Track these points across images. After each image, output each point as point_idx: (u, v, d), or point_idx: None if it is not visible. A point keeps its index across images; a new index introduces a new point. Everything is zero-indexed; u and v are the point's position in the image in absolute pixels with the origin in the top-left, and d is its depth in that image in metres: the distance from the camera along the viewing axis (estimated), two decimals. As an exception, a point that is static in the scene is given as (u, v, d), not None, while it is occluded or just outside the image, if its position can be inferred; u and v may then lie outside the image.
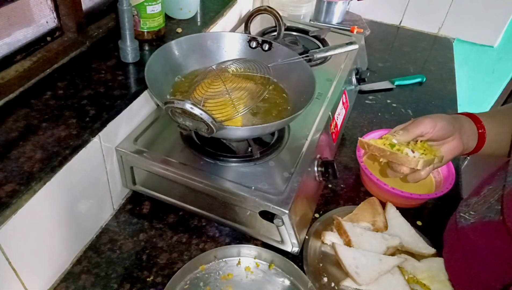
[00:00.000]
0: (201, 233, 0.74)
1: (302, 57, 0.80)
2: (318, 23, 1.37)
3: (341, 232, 0.72)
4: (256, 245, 0.71)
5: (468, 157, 1.28)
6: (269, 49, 0.83)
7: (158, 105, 0.81)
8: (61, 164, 0.58)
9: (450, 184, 0.80)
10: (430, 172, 0.67)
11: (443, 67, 1.32)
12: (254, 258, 0.70)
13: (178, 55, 0.80)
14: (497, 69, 1.55)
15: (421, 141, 0.67)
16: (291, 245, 0.70)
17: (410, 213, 0.80)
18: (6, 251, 0.53)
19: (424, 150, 0.66)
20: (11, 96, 0.65)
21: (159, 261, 0.69)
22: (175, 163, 0.70)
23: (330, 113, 0.85)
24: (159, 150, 0.72)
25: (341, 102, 0.93)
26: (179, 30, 0.93)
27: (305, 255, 0.70)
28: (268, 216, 0.67)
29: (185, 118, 0.61)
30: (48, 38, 0.73)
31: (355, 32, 1.27)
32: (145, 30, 0.85)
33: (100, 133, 0.66)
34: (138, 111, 0.77)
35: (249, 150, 0.73)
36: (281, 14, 0.97)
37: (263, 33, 1.09)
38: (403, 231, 0.74)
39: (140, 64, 0.79)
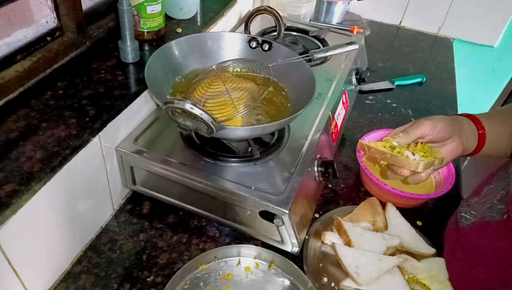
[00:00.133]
0: (201, 233, 0.74)
1: (302, 57, 0.80)
2: (318, 23, 1.37)
3: (341, 232, 0.72)
4: (256, 245, 0.71)
5: (468, 158, 1.28)
6: (269, 49, 0.83)
7: (158, 105, 0.81)
8: (61, 164, 0.58)
9: (450, 184, 0.80)
10: (431, 174, 0.67)
11: (443, 67, 1.32)
12: (254, 258, 0.70)
13: (178, 55, 0.80)
14: (497, 69, 1.55)
15: (421, 143, 0.68)
16: (291, 245, 0.70)
17: (410, 213, 0.80)
18: (6, 251, 0.53)
19: (425, 152, 0.66)
20: (11, 96, 0.65)
21: (159, 261, 0.69)
22: (175, 163, 0.70)
23: (330, 113, 0.85)
24: (159, 150, 0.72)
25: (341, 102, 0.93)
26: (179, 30, 0.93)
27: (305, 255, 0.70)
28: (268, 216, 0.67)
29: (185, 118, 0.61)
30: (48, 38, 0.73)
31: (355, 32, 1.27)
32: (145, 30, 0.85)
33: (100, 133, 0.66)
34: (138, 111, 0.77)
35: (249, 150, 0.73)
36: (281, 14, 0.97)
37: (263, 33, 1.09)
38: (403, 231, 0.74)
39: (140, 64, 0.79)
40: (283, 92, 0.80)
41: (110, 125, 0.67)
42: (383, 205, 0.79)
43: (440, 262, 0.70)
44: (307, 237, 0.73)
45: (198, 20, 1.00)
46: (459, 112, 0.75)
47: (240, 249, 0.69)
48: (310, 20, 1.38)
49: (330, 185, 0.86)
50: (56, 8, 0.73)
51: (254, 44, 0.84)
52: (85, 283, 0.65)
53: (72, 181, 0.62)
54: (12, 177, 0.53)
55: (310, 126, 0.80)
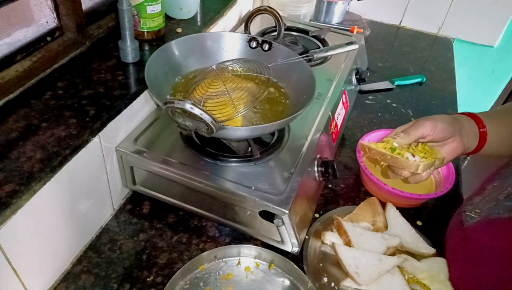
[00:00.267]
0: (201, 233, 0.74)
1: (302, 57, 0.80)
2: (318, 23, 1.37)
3: (341, 232, 0.72)
4: (256, 245, 0.71)
5: (468, 157, 1.28)
6: (269, 49, 0.83)
7: (158, 105, 0.81)
8: (61, 164, 0.58)
9: (450, 184, 0.80)
10: (431, 173, 0.67)
11: (443, 67, 1.32)
12: (254, 258, 0.70)
13: (178, 55, 0.80)
14: (497, 69, 1.55)
15: (422, 144, 0.68)
16: (291, 245, 0.70)
17: (410, 213, 0.80)
18: (6, 251, 0.53)
19: (425, 153, 0.66)
20: (11, 96, 0.65)
21: (159, 261, 0.69)
22: (175, 163, 0.70)
23: (330, 113, 0.85)
24: (159, 150, 0.72)
25: (341, 102, 0.93)
26: (179, 30, 0.93)
27: (305, 255, 0.70)
28: (268, 216, 0.67)
29: (185, 118, 0.61)
30: (48, 38, 0.73)
31: (355, 32, 1.27)
32: (145, 30, 0.85)
33: (100, 133, 0.66)
34: (138, 111, 0.77)
35: (249, 150, 0.73)
36: (281, 14, 0.97)
37: (263, 33, 1.09)
38: (403, 231, 0.74)
39: (140, 64, 0.79)
40: (283, 92, 0.80)
41: (110, 125, 0.67)
42: (383, 205, 0.79)
43: (440, 262, 0.70)
44: (307, 237, 0.73)
45: (198, 20, 1.00)
46: (459, 112, 0.74)
47: (240, 249, 0.69)
48: (310, 20, 1.38)
49: (330, 185, 0.86)
50: (56, 8, 0.73)
51: (254, 44, 0.84)
52: (85, 283, 0.65)
53: (72, 181, 0.62)
54: (12, 177, 0.53)
55: (310, 126, 0.80)
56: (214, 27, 1.04)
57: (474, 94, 1.62)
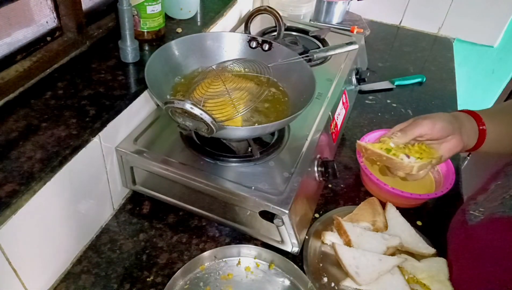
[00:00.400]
0: (201, 233, 0.74)
1: (302, 57, 0.80)
2: (318, 23, 1.37)
3: (341, 232, 0.72)
4: (256, 245, 0.71)
5: (468, 157, 1.28)
6: (269, 49, 0.83)
7: (158, 105, 0.81)
8: (61, 164, 0.58)
9: (450, 184, 0.80)
10: (428, 171, 0.68)
11: (443, 67, 1.33)
12: (254, 258, 0.70)
13: (178, 55, 0.80)
14: (497, 69, 1.55)
15: (418, 143, 0.68)
16: (291, 245, 0.70)
17: (410, 213, 0.80)
18: (6, 251, 0.53)
19: (421, 153, 0.66)
20: (11, 96, 0.65)
21: (159, 261, 0.69)
22: (175, 163, 0.70)
23: (330, 113, 0.85)
24: (159, 150, 0.72)
25: (341, 102, 0.93)
26: (179, 30, 0.93)
27: (305, 255, 0.70)
28: (268, 216, 0.67)
29: (185, 118, 0.61)
30: (48, 38, 0.73)
31: (355, 32, 1.27)
32: (145, 30, 0.85)
33: (100, 133, 0.66)
34: (138, 111, 0.77)
35: (249, 150, 0.73)
36: (281, 14, 0.97)
37: (263, 33, 1.09)
38: (403, 231, 0.74)
39: (140, 64, 0.79)
40: (283, 92, 0.80)
41: (110, 125, 0.67)
42: (383, 205, 0.79)
43: (440, 262, 0.70)
44: (307, 237, 0.73)
45: (198, 20, 1.00)
46: (459, 109, 0.75)
47: (240, 249, 0.69)
48: (310, 20, 1.38)
49: (330, 185, 0.86)
50: (56, 8, 0.73)
51: (254, 44, 0.84)
52: (85, 283, 0.65)
53: (72, 181, 0.62)
54: (12, 177, 0.53)
55: (310, 126, 0.80)
56: (214, 27, 1.04)
57: (474, 94, 1.62)
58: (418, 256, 0.71)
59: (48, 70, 0.72)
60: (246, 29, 1.02)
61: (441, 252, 0.72)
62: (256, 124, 0.72)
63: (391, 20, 1.55)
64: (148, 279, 0.66)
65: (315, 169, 0.77)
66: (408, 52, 1.39)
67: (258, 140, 0.76)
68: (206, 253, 0.67)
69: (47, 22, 0.72)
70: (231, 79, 0.74)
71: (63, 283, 0.65)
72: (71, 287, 0.65)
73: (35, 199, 0.55)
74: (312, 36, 1.10)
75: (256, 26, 1.11)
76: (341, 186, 0.86)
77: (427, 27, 1.51)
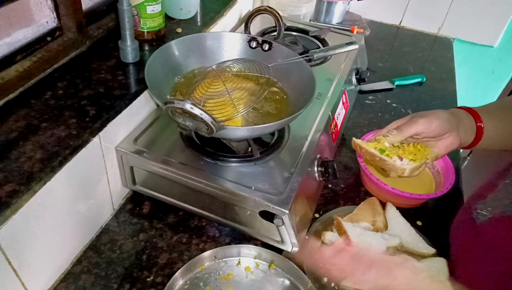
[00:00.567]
0: (201, 233, 0.74)
1: (302, 57, 0.80)
2: (318, 23, 1.37)
3: (341, 232, 0.72)
4: (256, 245, 0.71)
5: (468, 157, 1.28)
6: (269, 49, 0.83)
7: (158, 105, 0.81)
8: (61, 164, 0.58)
9: (450, 184, 0.80)
10: (422, 170, 0.68)
11: (443, 67, 1.33)
12: (254, 258, 0.70)
13: (178, 55, 0.80)
14: (497, 69, 1.55)
15: (413, 144, 0.68)
16: (291, 245, 0.70)
17: (410, 213, 0.80)
18: (6, 251, 0.53)
19: (415, 154, 0.66)
20: (11, 96, 0.65)
21: (159, 261, 0.69)
22: (175, 163, 0.70)
23: (330, 113, 0.85)
24: (159, 150, 0.72)
25: (341, 102, 0.93)
26: (179, 30, 0.93)
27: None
28: (268, 216, 0.67)
29: (185, 118, 0.61)
30: (48, 38, 0.73)
31: (355, 32, 1.27)
32: (145, 30, 0.85)
33: (100, 133, 0.66)
34: (138, 111, 0.77)
35: (249, 150, 0.73)
36: (281, 14, 0.97)
37: (263, 33, 1.09)
38: (403, 231, 0.74)
39: (140, 64, 0.79)
40: (283, 92, 0.80)
41: (110, 125, 0.67)
42: (383, 205, 0.79)
43: (440, 262, 0.70)
44: (307, 237, 0.73)
45: (198, 20, 1.00)
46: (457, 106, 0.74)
47: (240, 249, 0.69)
48: (310, 20, 1.38)
49: (330, 185, 0.86)
50: (56, 8, 0.73)
51: (254, 44, 0.84)
52: (85, 283, 0.65)
53: (72, 181, 0.62)
54: (12, 177, 0.53)
55: (310, 126, 0.80)
56: (214, 27, 1.04)
57: (474, 94, 1.62)
58: (418, 256, 0.71)
59: (48, 70, 0.72)
60: (246, 29, 1.02)
61: (441, 252, 0.72)
62: (256, 124, 0.72)
63: (391, 20, 1.55)
64: (148, 279, 0.66)
65: (315, 169, 0.77)
66: (408, 52, 1.39)
67: (258, 140, 0.76)
68: (206, 253, 0.67)
69: (47, 22, 0.72)
70: (231, 79, 0.74)
71: (63, 283, 0.65)
72: (71, 287, 0.65)
73: (35, 199, 0.55)
74: (312, 36, 1.10)
75: (256, 26, 1.11)
76: (341, 186, 0.86)
77: (427, 27, 1.51)
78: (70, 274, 0.67)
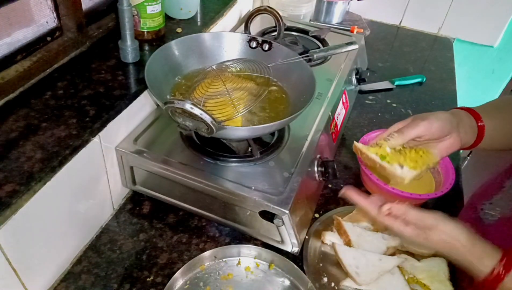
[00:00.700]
0: (201, 233, 0.74)
1: (302, 57, 0.80)
2: (318, 23, 1.37)
3: (341, 232, 0.72)
4: (256, 245, 0.71)
5: (468, 157, 1.28)
6: (269, 49, 0.83)
7: (158, 105, 0.81)
8: (61, 164, 0.58)
9: (450, 184, 0.80)
10: (422, 175, 0.68)
11: (443, 67, 1.33)
12: (254, 258, 0.70)
13: (178, 55, 0.80)
14: (497, 69, 1.55)
15: (415, 150, 0.67)
16: (291, 245, 0.70)
17: (410, 213, 0.80)
18: (6, 251, 0.53)
19: (416, 161, 0.65)
20: (11, 96, 0.65)
21: (159, 261, 0.69)
22: (175, 163, 0.70)
23: (330, 113, 0.85)
24: (159, 150, 0.72)
25: (341, 102, 0.93)
26: (179, 30, 0.93)
27: (305, 255, 0.70)
28: (268, 216, 0.67)
29: (185, 118, 0.61)
30: (48, 38, 0.73)
31: (355, 32, 1.27)
32: (145, 30, 0.85)
33: (100, 133, 0.66)
34: (138, 111, 0.77)
35: (249, 150, 0.73)
36: (281, 14, 0.97)
37: (263, 33, 1.09)
38: (403, 231, 0.74)
39: (140, 64, 0.79)
40: (283, 92, 0.80)
41: (110, 125, 0.67)
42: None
43: (440, 262, 0.70)
44: (307, 237, 0.73)
45: (198, 20, 1.00)
46: (457, 107, 0.74)
47: (240, 249, 0.69)
48: (310, 20, 1.38)
49: (330, 185, 0.86)
50: (56, 8, 0.73)
51: (254, 44, 0.84)
52: (85, 283, 0.65)
53: (72, 181, 0.63)
54: (12, 177, 0.53)
55: (310, 126, 0.80)
56: (214, 27, 1.04)
57: (474, 94, 1.62)
58: (418, 256, 0.71)
59: (48, 70, 0.72)
60: (246, 29, 1.02)
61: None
62: (256, 124, 0.72)
63: (391, 20, 1.55)
64: (148, 279, 0.66)
65: (315, 169, 0.77)
66: (408, 52, 1.39)
67: (258, 140, 0.76)
68: (206, 253, 0.67)
69: (47, 22, 0.72)
70: (231, 79, 0.74)
71: (63, 283, 0.65)
72: (71, 287, 0.65)
73: (35, 199, 0.55)
74: (312, 36, 1.10)
75: (256, 26, 1.11)
76: (341, 186, 0.86)
77: (427, 27, 1.51)
78: (70, 274, 0.67)
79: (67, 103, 0.66)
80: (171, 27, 0.94)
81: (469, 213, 0.70)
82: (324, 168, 0.77)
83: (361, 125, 1.03)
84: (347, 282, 0.67)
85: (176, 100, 0.57)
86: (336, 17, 1.39)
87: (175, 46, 0.79)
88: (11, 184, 0.52)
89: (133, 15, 0.79)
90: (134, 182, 0.77)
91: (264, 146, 0.75)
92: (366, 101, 1.13)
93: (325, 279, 0.68)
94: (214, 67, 0.76)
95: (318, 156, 0.78)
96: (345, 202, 0.82)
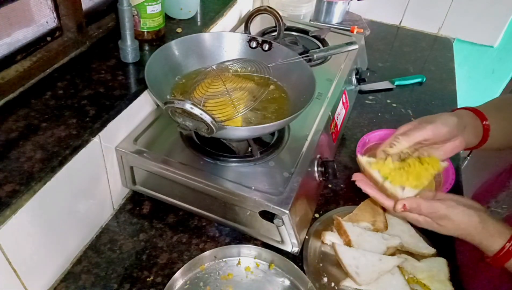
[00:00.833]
0: (201, 233, 0.74)
1: (302, 57, 0.80)
2: (318, 23, 1.37)
3: (341, 232, 0.72)
4: (256, 245, 0.71)
5: (468, 157, 1.28)
6: (269, 49, 0.83)
7: (158, 105, 0.81)
8: (61, 164, 0.58)
9: (450, 184, 0.80)
10: None
11: (443, 67, 1.32)
12: (254, 258, 0.70)
13: (178, 55, 0.80)
14: (497, 69, 1.55)
15: (419, 160, 0.65)
16: (291, 245, 0.70)
17: (410, 213, 0.80)
18: (6, 251, 0.53)
19: (420, 177, 0.63)
20: (11, 96, 0.65)
21: (159, 261, 0.69)
22: (175, 163, 0.70)
23: (330, 113, 0.85)
24: (159, 150, 0.72)
25: (341, 102, 0.93)
26: (179, 30, 0.93)
27: (305, 255, 0.70)
28: (268, 216, 0.67)
29: (185, 118, 0.61)
30: (48, 38, 0.73)
31: (355, 32, 1.27)
32: (145, 30, 0.85)
33: (100, 133, 0.66)
34: (138, 111, 0.77)
35: (249, 150, 0.73)
36: (281, 14, 0.97)
37: (263, 33, 1.09)
38: (403, 231, 0.74)
39: (140, 64, 0.79)
40: (283, 92, 0.80)
41: (110, 125, 0.67)
42: (383, 205, 0.79)
43: (440, 262, 0.70)
44: (307, 237, 0.73)
45: (198, 20, 1.00)
46: (461, 107, 0.73)
47: (240, 249, 0.69)
48: (310, 20, 1.38)
49: (330, 185, 0.86)
50: (56, 8, 0.73)
51: (254, 44, 0.84)
52: (85, 283, 0.65)
53: (72, 181, 0.62)
54: (12, 177, 0.53)
55: (310, 126, 0.80)
56: (214, 27, 1.04)
57: (474, 94, 1.62)
58: (418, 256, 0.71)
59: (48, 70, 0.72)
60: (246, 29, 1.02)
61: (441, 252, 0.72)
62: (256, 124, 0.72)
63: (391, 20, 1.55)
64: (148, 279, 0.66)
65: (315, 169, 0.77)
66: (408, 52, 1.39)
67: (258, 140, 0.76)
68: (206, 253, 0.67)
69: (47, 22, 0.72)
70: (231, 79, 0.74)
71: (63, 283, 0.65)
72: (71, 287, 0.65)
73: (35, 199, 0.55)
74: (312, 36, 1.10)
75: (256, 26, 1.11)
76: (341, 186, 0.86)
77: (427, 27, 1.51)
78: (70, 274, 0.67)
79: (67, 103, 0.66)
80: (171, 27, 0.94)
81: None
82: (324, 168, 0.77)
83: (361, 125, 1.03)
84: (347, 282, 0.67)
85: (176, 100, 0.57)
86: (336, 17, 1.39)
87: (175, 46, 0.79)
88: (11, 184, 0.52)
89: (133, 15, 0.79)
90: (134, 182, 0.77)
91: (264, 146, 0.75)
92: (366, 101, 1.13)
93: (325, 279, 0.68)
94: (214, 67, 0.76)
95: (318, 156, 0.78)
96: (345, 202, 0.82)
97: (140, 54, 0.80)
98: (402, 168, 0.64)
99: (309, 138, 0.78)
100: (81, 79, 0.72)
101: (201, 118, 0.57)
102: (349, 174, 0.88)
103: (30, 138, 0.59)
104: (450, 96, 1.19)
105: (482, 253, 0.60)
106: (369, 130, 0.92)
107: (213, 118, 0.58)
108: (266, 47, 0.83)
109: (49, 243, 0.62)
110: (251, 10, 1.13)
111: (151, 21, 0.85)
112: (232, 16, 1.15)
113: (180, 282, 0.65)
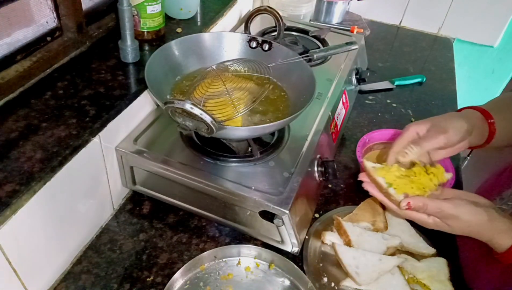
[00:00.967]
0: (201, 233, 0.74)
1: (302, 57, 0.80)
2: (318, 23, 1.37)
3: (341, 232, 0.72)
4: (256, 245, 0.71)
5: (468, 157, 1.28)
6: (269, 49, 0.83)
7: (158, 105, 0.81)
8: (61, 164, 0.58)
9: (450, 184, 0.80)
10: None
11: (443, 67, 1.32)
12: (254, 258, 0.70)
13: (178, 55, 0.80)
14: (497, 69, 1.55)
15: (425, 170, 0.65)
16: (291, 245, 0.70)
17: (410, 213, 0.80)
18: (6, 251, 0.53)
19: (425, 186, 0.63)
20: (11, 96, 0.65)
21: (159, 261, 0.69)
22: (175, 163, 0.70)
23: (330, 113, 0.85)
24: (159, 150, 0.72)
25: (341, 102, 0.93)
26: (179, 30, 0.93)
27: (305, 255, 0.70)
28: (268, 216, 0.67)
29: (185, 118, 0.61)
30: (48, 38, 0.73)
31: (355, 32, 1.27)
32: (145, 30, 0.85)
33: (100, 133, 0.66)
34: (138, 111, 0.77)
35: (249, 150, 0.73)
36: (281, 14, 0.97)
37: (263, 33, 1.09)
38: (403, 231, 0.74)
39: (140, 64, 0.79)
40: (283, 92, 0.80)
41: (110, 125, 0.68)
42: (383, 205, 0.79)
43: (440, 262, 0.70)
44: (307, 237, 0.73)
45: (198, 20, 1.00)
46: (467, 106, 0.73)
47: (240, 249, 0.69)
48: (310, 20, 1.38)
49: (330, 185, 0.86)
50: (56, 8, 0.73)
51: (254, 44, 0.84)
52: (85, 283, 0.65)
53: (72, 181, 0.63)
54: (12, 177, 0.53)
55: (310, 126, 0.80)
56: (214, 27, 1.04)
57: (474, 94, 1.62)
58: (418, 256, 0.71)
59: (48, 70, 0.72)
60: (246, 29, 1.02)
61: (441, 252, 0.72)
62: (256, 124, 0.72)
63: (391, 20, 1.55)
64: (148, 279, 0.66)
65: (315, 169, 0.77)
66: (408, 52, 1.39)
67: (258, 140, 0.76)
68: (206, 253, 0.67)
69: (47, 22, 0.72)
70: (231, 79, 0.74)
71: (63, 283, 0.65)
72: (71, 287, 0.65)
73: (35, 199, 0.55)
74: (312, 36, 1.10)
75: (256, 26, 1.11)
76: (341, 186, 0.86)
77: (427, 27, 1.51)
78: (70, 274, 0.67)
79: (67, 103, 0.66)
80: (171, 27, 0.94)
81: None
82: (324, 168, 0.77)
83: (361, 125, 1.03)
84: (347, 282, 0.67)
85: (176, 100, 0.57)
86: (336, 17, 1.39)
87: (175, 46, 0.79)
88: (11, 184, 0.52)
89: (133, 15, 0.79)
90: (134, 182, 0.77)
91: (264, 146, 0.75)
92: (366, 101, 1.13)
93: (325, 279, 0.68)
94: (214, 67, 0.76)
95: (318, 156, 0.78)
96: (345, 202, 0.82)
97: (140, 54, 0.80)
98: (407, 176, 0.63)
99: (309, 138, 0.78)
100: (81, 79, 0.72)
101: (201, 118, 0.57)
102: (349, 174, 0.89)
103: (30, 138, 0.59)
104: (450, 96, 1.19)
105: (485, 249, 0.60)
106: (369, 130, 0.92)
107: (213, 118, 0.58)
108: (266, 47, 0.83)
109: (49, 243, 0.62)
110: (251, 10, 1.13)
111: (151, 21, 0.85)
112: (232, 16, 1.15)
113: (180, 282, 0.65)
